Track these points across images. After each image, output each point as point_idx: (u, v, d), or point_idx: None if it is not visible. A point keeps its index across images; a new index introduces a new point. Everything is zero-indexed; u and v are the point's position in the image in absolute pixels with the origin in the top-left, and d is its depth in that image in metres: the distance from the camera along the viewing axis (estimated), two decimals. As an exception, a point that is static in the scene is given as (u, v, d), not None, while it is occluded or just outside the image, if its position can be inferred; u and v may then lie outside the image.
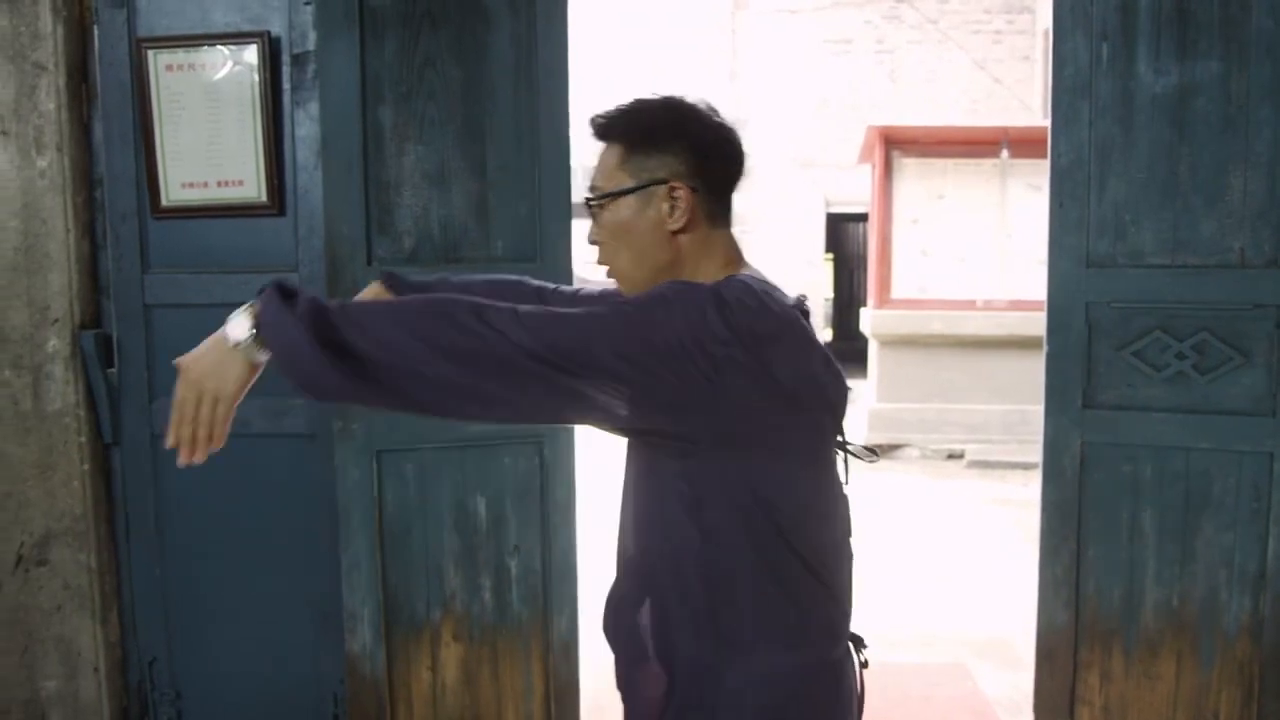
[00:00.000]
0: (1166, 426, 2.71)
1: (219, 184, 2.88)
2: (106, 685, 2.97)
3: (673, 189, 1.49)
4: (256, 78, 2.82)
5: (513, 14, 2.74)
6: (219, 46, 2.83)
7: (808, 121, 13.67)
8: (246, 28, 2.85)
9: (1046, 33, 2.71)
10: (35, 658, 2.95)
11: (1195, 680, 2.76)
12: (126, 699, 3.06)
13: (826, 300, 17.82)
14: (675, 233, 1.51)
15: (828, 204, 13.62)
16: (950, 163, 9.86)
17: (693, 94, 1.57)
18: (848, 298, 18.99)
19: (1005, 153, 9.87)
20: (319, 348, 1.28)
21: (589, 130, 1.56)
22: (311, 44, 2.80)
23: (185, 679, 3.04)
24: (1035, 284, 3.50)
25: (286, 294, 1.33)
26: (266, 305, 1.32)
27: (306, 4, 2.80)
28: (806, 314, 1.51)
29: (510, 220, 2.79)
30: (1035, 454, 2.91)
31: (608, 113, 1.55)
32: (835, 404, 1.51)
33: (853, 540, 1.59)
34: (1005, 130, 9.92)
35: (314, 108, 2.80)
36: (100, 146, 2.92)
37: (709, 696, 1.49)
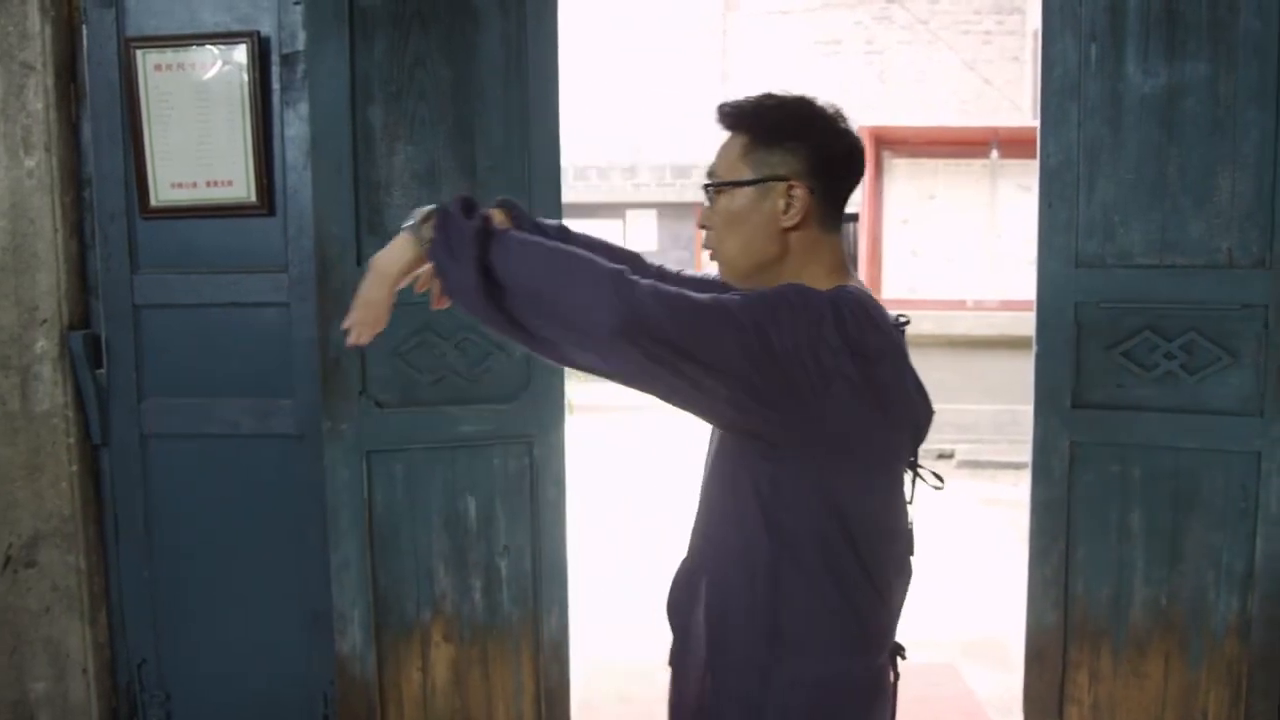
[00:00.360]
0: (1155, 426, 2.72)
1: (208, 184, 2.87)
2: (95, 686, 2.96)
3: (791, 187, 1.52)
4: (246, 78, 2.82)
5: (503, 14, 2.74)
6: (208, 46, 2.82)
7: (798, 122, 13.68)
8: (236, 27, 2.84)
9: (1036, 33, 2.72)
10: (24, 659, 2.94)
11: (1183, 680, 2.77)
12: (115, 700, 3.05)
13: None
14: (786, 230, 1.54)
15: (818, 204, 13.63)
16: (940, 163, 9.89)
17: (824, 97, 1.59)
18: (838, 298, 19.00)
19: (995, 153, 9.89)
20: (475, 258, 1.38)
21: (715, 117, 1.59)
22: (301, 44, 2.79)
23: (174, 680, 3.04)
24: (1025, 284, 3.51)
25: (469, 203, 1.45)
26: (453, 202, 1.46)
27: (296, 4, 2.79)
28: (903, 333, 1.56)
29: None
30: (1025, 454, 2.92)
31: (737, 103, 1.58)
32: (918, 425, 1.57)
33: (913, 559, 1.64)
34: (995, 131, 9.95)
35: (304, 108, 2.80)
36: (88, 146, 2.91)
37: (757, 692, 1.52)
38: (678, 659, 1.67)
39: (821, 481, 1.47)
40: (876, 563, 1.53)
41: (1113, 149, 2.70)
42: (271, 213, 2.88)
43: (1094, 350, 2.74)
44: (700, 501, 1.66)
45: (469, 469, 2.82)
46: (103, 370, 2.93)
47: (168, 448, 2.97)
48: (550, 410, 2.84)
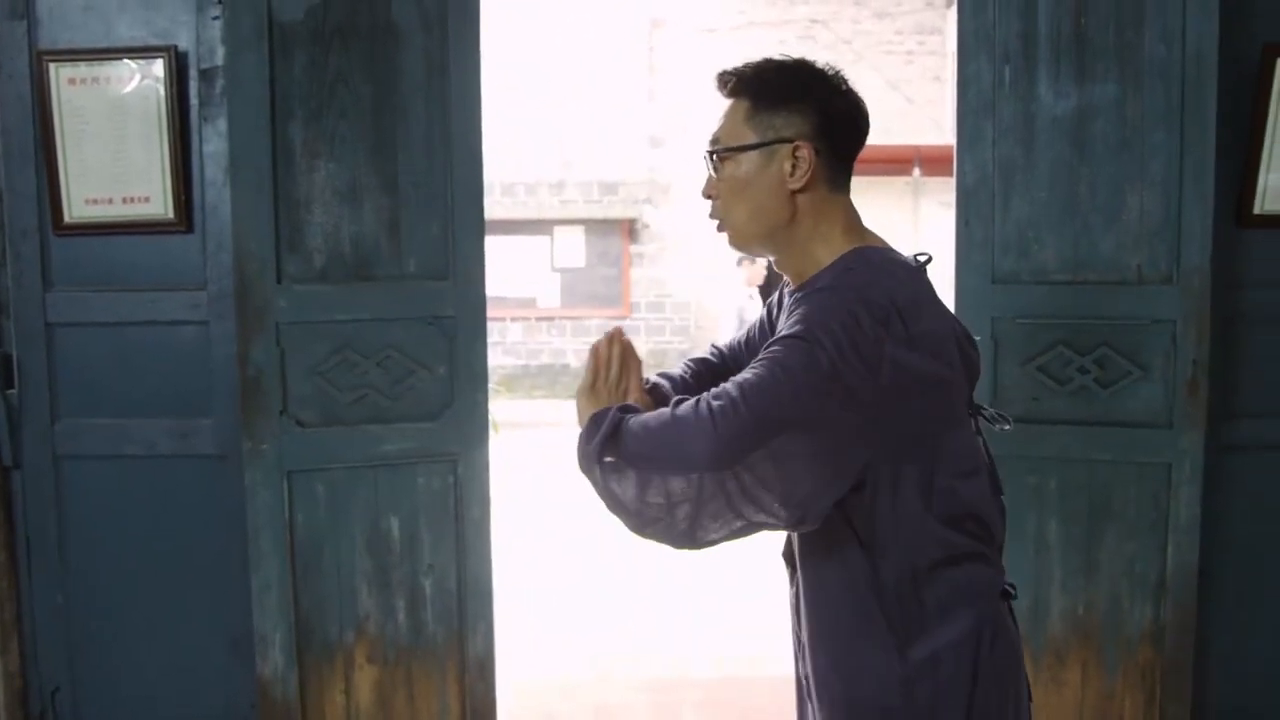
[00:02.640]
0: (1070, 439, 2.78)
1: (124, 200, 2.82)
2: (5, 717, 2.88)
3: (796, 148, 1.53)
4: (163, 92, 2.78)
5: (424, 32, 2.73)
6: (124, 60, 2.78)
7: (725, 140, 13.78)
8: (153, 42, 2.80)
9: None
10: (-70, 689, 2.85)
11: (1100, 686, 2.83)
12: (27, 730, 2.97)
13: (745, 316, 17.92)
14: (794, 192, 1.55)
15: (745, 221, 13.73)
16: (864, 180, 9.96)
17: (820, 61, 1.60)
18: (766, 314, 19.12)
19: (917, 171, 10.06)
20: (598, 458, 1.49)
21: (715, 85, 1.60)
22: (220, 59, 2.76)
23: (90, 708, 2.96)
24: (946, 300, 3.57)
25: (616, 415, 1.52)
26: (608, 417, 1.52)
27: (215, 18, 2.76)
28: (925, 271, 1.58)
29: (423, 238, 2.78)
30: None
31: (737, 69, 1.58)
32: (968, 360, 1.59)
33: (1004, 498, 1.65)
34: (917, 149, 10.11)
35: (222, 123, 2.77)
36: (-1, 161, 2.85)
37: (898, 683, 1.51)
38: (803, 671, 1.68)
39: (904, 472, 1.47)
40: (966, 508, 1.52)
41: (1026, 168, 2.76)
42: (190, 230, 2.84)
43: (1010, 365, 2.80)
44: (801, 579, 1.66)
45: (392, 488, 2.80)
46: (14, 390, 2.86)
47: (83, 469, 2.90)
48: (474, 428, 2.82)
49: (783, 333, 1.47)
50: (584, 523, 6.83)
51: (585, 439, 1.52)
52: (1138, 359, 2.74)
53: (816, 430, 1.40)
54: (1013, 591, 1.62)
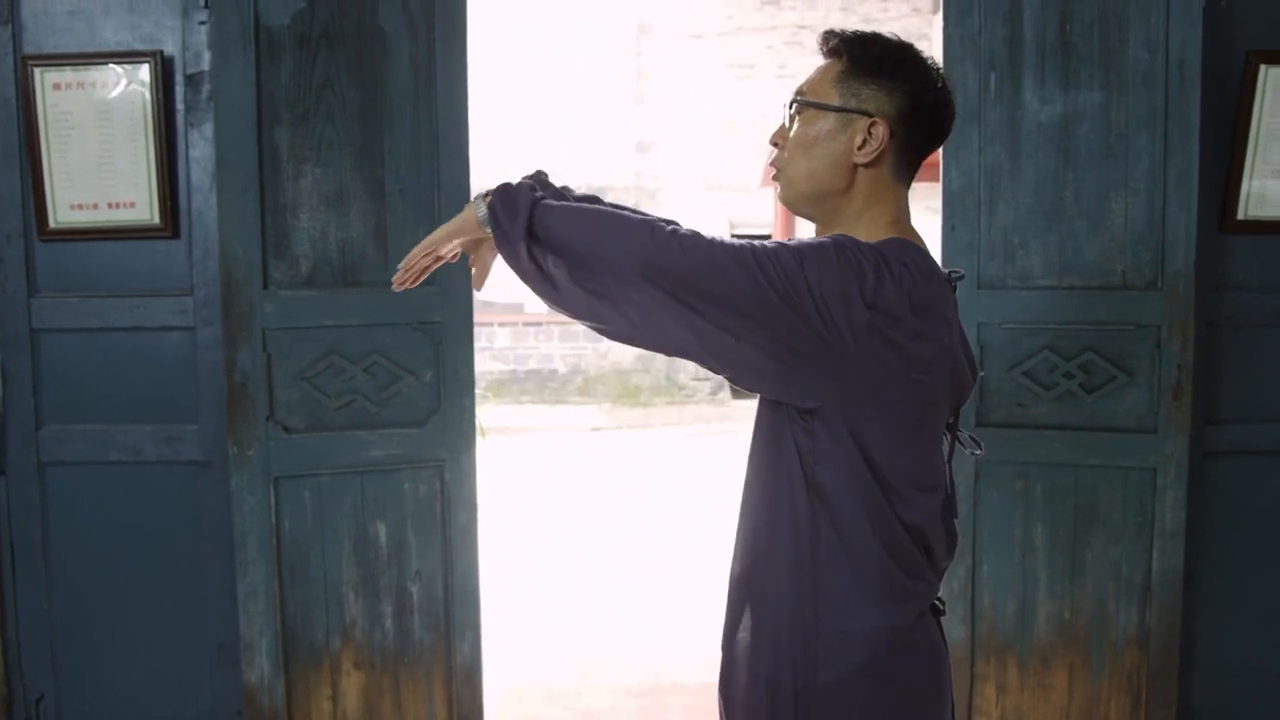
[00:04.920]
0: (1056, 444, 2.79)
1: (110, 206, 2.81)
2: (-10, 724, 2.87)
3: (873, 124, 1.52)
4: (149, 97, 2.77)
5: (411, 38, 2.73)
6: (110, 65, 2.77)
7: (712, 145, 13.82)
8: (139, 47, 2.79)
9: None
10: (-87, 697, 2.84)
11: (1086, 690, 2.83)
12: (11, 738, 2.95)
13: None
14: (857, 166, 1.54)
15: (732, 226, 13.75)
16: (851, 186, 10.00)
17: (927, 53, 1.58)
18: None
19: (904, 176, 10.04)
20: (525, 225, 1.45)
21: (818, 42, 1.59)
22: (206, 64, 2.76)
23: (75, 716, 2.95)
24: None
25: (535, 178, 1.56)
26: (522, 179, 1.55)
27: (201, 24, 2.76)
28: (954, 288, 1.57)
29: (410, 244, 2.74)
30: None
31: (844, 31, 1.57)
32: (961, 385, 1.59)
33: (956, 522, 1.65)
34: (903, 154, 10.11)
35: (209, 129, 2.76)
36: (-17, 167, 2.83)
37: (809, 650, 1.52)
38: (728, 635, 1.67)
39: (858, 440, 1.46)
40: (915, 519, 1.53)
41: (1012, 174, 2.77)
42: (175, 235, 2.84)
43: (996, 370, 2.81)
44: (744, 481, 1.66)
45: (379, 494, 2.79)
46: (-2, 397, 2.85)
47: (68, 475, 2.89)
48: (461, 434, 2.82)
49: (789, 240, 1.46)
50: (571, 528, 6.84)
51: (506, 214, 1.48)
52: (1122, 364, 2.75)
53: (761, 327, 1.39)
54: (941, 607, 1.63)
